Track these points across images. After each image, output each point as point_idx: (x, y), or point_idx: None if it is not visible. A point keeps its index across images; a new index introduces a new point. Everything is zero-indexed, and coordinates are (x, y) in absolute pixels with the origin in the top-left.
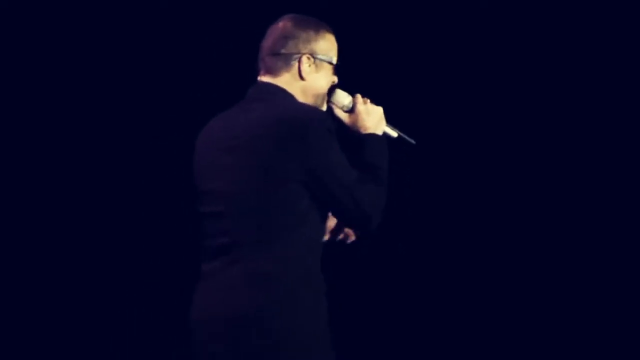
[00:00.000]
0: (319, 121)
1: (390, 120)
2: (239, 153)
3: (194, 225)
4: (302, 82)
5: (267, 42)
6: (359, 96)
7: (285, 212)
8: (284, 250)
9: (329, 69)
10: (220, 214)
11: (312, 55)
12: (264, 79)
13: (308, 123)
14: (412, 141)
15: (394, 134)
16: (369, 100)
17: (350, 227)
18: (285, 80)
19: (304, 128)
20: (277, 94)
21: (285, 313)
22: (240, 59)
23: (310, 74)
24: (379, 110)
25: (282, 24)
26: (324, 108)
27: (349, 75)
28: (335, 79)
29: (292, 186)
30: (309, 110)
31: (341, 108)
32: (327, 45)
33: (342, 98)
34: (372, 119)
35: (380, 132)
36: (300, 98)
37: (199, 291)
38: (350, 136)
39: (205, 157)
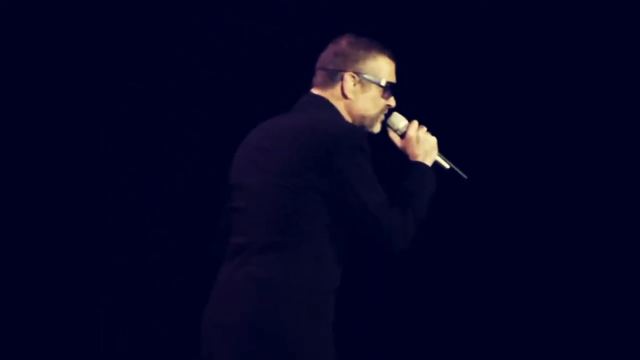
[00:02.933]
0: (351, 139)
1: (447, 154)
2: (271, 154)
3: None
4: (345, 100)
5: (322, 56)
6: (415, 122)
7: (301, 221)
8: (291, 260)
9: (378, 91)
10: (244, 210)
11: (357, 74)
12: (314, 91)
13: (338, 138)
14: (465, 176)
15: (446, 165)
16: (425, 129)
17: (371, 244)
18: (331, 95)
19: (332, 142)
20: (322, 106)
21: (279, 320)
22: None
23: (354, 93)
24: (432, 140)
25: (339, 41)
26: (376, 129)
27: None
28: (392, 102)
29: (314, 196)
30: (345, 127)
31: (395, 131)
32: (376, 66)
33: (397, 121)
34: (422, 147)
35: (429, 163)
36: (346, 116)
37: (212, 292)
38: (401, 160)
39: (243, 152)
